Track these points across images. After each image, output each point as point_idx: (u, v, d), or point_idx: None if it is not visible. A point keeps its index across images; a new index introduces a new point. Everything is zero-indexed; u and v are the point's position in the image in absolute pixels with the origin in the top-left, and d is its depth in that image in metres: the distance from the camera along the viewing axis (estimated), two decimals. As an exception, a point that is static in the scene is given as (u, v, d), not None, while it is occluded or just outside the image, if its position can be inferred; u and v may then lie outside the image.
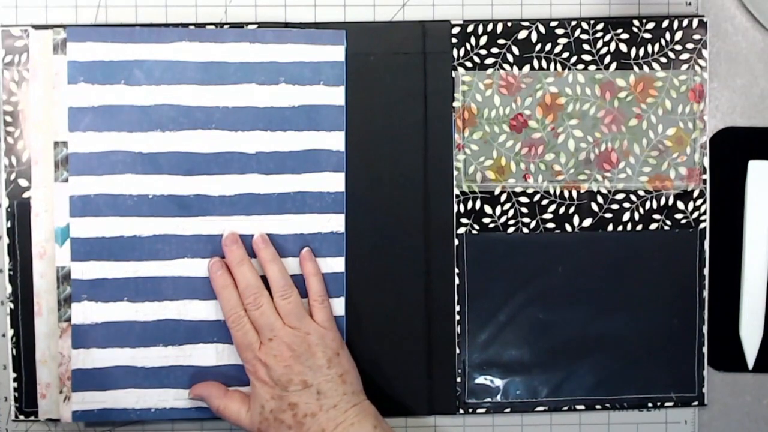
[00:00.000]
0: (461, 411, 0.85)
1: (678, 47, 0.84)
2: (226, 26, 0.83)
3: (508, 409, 0.85)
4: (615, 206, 0.84)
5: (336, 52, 0.82)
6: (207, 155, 0.81)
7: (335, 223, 0.82)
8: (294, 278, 0.81)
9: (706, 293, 0.85)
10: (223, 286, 0.80)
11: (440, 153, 0.83)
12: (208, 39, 0.81)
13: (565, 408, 0.85)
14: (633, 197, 0.84)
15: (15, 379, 0.83)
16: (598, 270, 0.84)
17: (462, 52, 0.83)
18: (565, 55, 0.83)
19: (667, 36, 0.84)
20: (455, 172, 0.84)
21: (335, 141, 0.82)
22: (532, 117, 0.84)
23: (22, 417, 0.83)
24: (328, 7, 0.84)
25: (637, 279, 0.84)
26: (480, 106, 0.84)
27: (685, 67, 0.84)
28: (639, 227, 0.84)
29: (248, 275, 0.80)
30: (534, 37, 0.83)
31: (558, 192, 0.84)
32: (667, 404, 0.85)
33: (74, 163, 0.81)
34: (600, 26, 0.83)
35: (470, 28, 0.83)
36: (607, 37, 0.83)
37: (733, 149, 0.85)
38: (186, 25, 0.83)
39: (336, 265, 0.83)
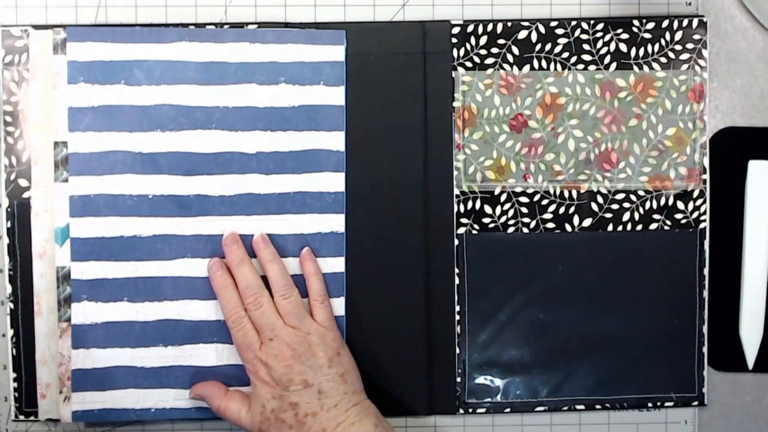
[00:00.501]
0: (461, 411, 0.85)
1: (678, 47, 0.84)
2: (226, 26, 0.83)
3: (508, 409, 0.85)
4: (615, 206, 0.84)
5: (336, 52, 0.82)
6: (207, 155, 0.81)
7: (335, 223, 0.82)
8: (294, 278, 0.81)
9: (706, 293, 0.85)
10: (223, 287, 0.80)
11: (440, 153, 0.83)
12: (208, 39, 0.81)
13: (565, 408, 0.85)
14: (633, 197, 0.84)
15: (15, 379, 0.83)
16: (598, 270, 0.84)
17: (462, 52, 0.83)
18: (565, 55, 0.83)
19: (667, 36, 0.84)
20: (455, 172, 0.84)
21: (335, 141, 0.82)
22: (532, 117, 0.84)
23: (22, 417, 0.83)
24: (328, 7, 0.84)
25: (637, 279, 0.84)
26: (480, 106, 0.84)
27: (685, 67, 0.84)
28: (639, 227, 0.84)
29: (248, 275, 0.80)
30: (534, 37, 0.83)
31: (558, 192, 0.84)
32: (667, 404, 0.85)
33: (74, 163, 0.81)
34: (600, 26, 0.83)
35: (470, 28, 0.83)
36: (607, 37, 0.83)
37: (733, 149, 0.85)
38: (186, 25, 0.83)
39: (336, 265, 0.83)
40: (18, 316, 0.82)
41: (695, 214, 0.84)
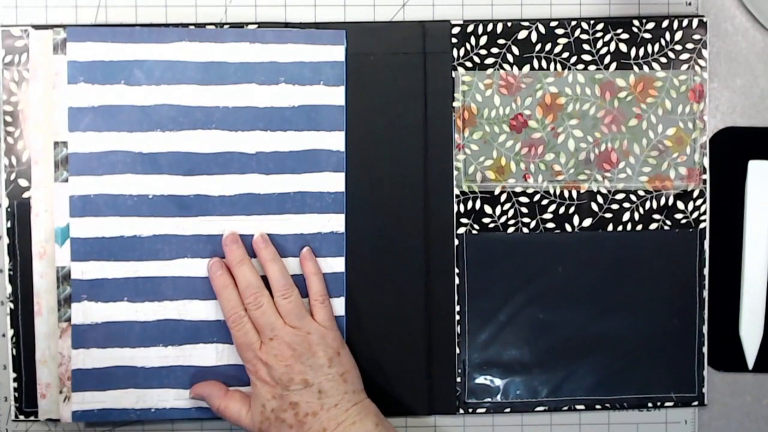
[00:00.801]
0: (461, 411, 0.85)
1: (678, 47, 0.84)
2: (226, 26, 0.83)
3: (508, 409, 0.85)
4: (615, 206, 0.84)
5: (336, 52, 0.82)
6: (207, 155, 0.81)
7: (335, 223, 0.82)
8: (294, 278, 0.81)
9: (706, 293, 0.85)
10: (224, 286, 0.80)
11: (440, 153, 0.83)
12: (208, 39, 0.81)
13: (565, 408, 0.85)
14: (633, 197, 0.84)
15: (15, 379, 0.83)
16: (598, 270, 0.84)
17: (462, 52, 0.83)
18: (565, 55, 0.83)
19: (667, 36, 0.84)
20: (455, 172, 0.84)
21: (335, 141, 0.82)
22: (532, 117, 0.84)
23: (22, 417, 0.83)
24: (328, 7, 0.84)
25: (637, 279, 0.84)
26: (480, 106, 0.84)
27: (685, 67, 0.84)
28: (639, 227, 0.84)
29: (248, 275, 0.80)
30: (534, 37, 0.83)
31: (558, 192, 0.84)
32: (667, 404, 0.85)
33: (74, 163, 0.81)
34: (600, 26, 0.83)
35: (470, 28, 0.83)
36: (607, 37, 0.83)
37: (733, 149, 0.85)
38: (186, 25, 0.83)
39: (336, 265, 0.83)
40: (18, 316, 0.82)
41: (695, 214, 0.84)
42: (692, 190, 0.84)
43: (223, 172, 0.81)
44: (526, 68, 0.84)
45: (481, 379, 0.85)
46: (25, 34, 0.82)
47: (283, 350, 0.77)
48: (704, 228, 0.84)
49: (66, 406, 0.82)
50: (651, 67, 0.84)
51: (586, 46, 0.83)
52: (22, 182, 0.82)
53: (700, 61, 0.84)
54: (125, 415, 0.82)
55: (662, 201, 0.84)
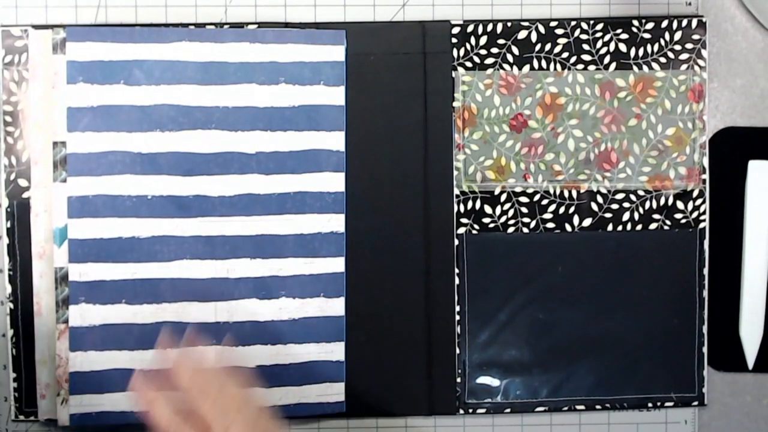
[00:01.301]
0: (461, 411, 0.84)
1: (677, 47, 0.84)
2: (226, 26, 0.83)
3: (508, 409, 0.85)
4: (615, 206, 0.84)
5: (336, 52, 0.82)
6: (207, 155, 0.81)
7: (335, 223, 0.82)
8: (294, 278, 0.81)
9: (706, 293, 0.85)
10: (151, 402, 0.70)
11: (440, 153, 0.83)
12: (208, 39, 0.81)
13: (565, 408, 0.85)
14: (633, 197, 0.84)
15: (15, 379, 0.83)
16: (598, 270, 0.84)
17: (462, 52, 0.83)
18: (565, 55, 0.83)
19: (667, 36, 0.84)
20: (455, 172, 0.83)
21: (335, 141, 0.82)
22: (532, 117, 0.84)
23: (22, 417, 0.83)
24: (328, 7, 0.84)
25: (637, 279, 0.84)
26: (480, 106, 0.84)
27: (684, 67, 0.84)
28: (639, 227, 0.84)
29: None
30: (534, 37, 0.83)
31: (558, 192, 0.84)
32: (667, 404, 0.85)
33: (73, 163, 0.80)
34: (600, 26, 0.83)
35: (470, 28, 0.83)
36: (607, 37, 0.84)
37: (733, 149, 0.85)
38: (186, 25, 0.83)
39: (336, 265, 0.82)
40: (18, 316, 0.82)
41: (695, 214, 0.84)
42: (692, 190, 0.84)
43: (222, 173, 0.81)
44: (526, 68, 0.84)
45: (481, 380, 0.84)
46: (25, 34, 0.82)
47: None
48: (704, 228, 0.84)
49: (64, 408, 0.81)
50: (650, 67, 0.84)
51: (585, 46, 0.83)
52: (22, 182, 0.82)
53: (700, 61, 0.84)
54: (123, 418, 0.82)
55: (662, 201, 0.84)
